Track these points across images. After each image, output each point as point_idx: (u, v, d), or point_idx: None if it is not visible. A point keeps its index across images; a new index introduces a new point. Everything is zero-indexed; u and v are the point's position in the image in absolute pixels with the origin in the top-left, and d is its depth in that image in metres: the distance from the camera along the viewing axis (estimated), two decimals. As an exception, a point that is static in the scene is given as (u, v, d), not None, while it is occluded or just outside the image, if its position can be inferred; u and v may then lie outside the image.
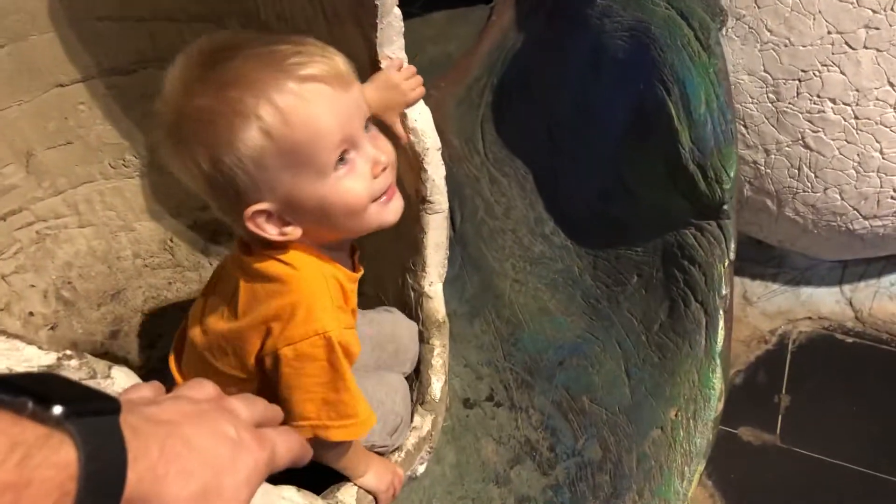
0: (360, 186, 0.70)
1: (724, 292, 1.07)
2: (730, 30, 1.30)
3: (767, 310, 1.56)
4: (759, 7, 1.27)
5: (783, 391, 1.43)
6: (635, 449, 1.06)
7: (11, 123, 1.17)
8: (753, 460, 1.34)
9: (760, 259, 1.62)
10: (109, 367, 0.56)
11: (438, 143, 0.94)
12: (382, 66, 0.91)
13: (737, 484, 1.31)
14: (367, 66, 0.91)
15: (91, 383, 0.54)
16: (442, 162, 0.96)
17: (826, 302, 1.57)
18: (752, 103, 1.33)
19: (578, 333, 1.25)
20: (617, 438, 1.09)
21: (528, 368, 1.26)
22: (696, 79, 1.14)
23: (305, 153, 0.66)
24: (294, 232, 0.71)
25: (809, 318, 1.55)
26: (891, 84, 1.23)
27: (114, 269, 1.32)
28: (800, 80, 1.28)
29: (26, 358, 0.52)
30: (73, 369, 0.53)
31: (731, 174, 1.09)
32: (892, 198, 1.33)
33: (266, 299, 0.71)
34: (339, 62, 0.69)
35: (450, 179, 1.53)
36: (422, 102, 0.94)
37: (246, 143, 0.64)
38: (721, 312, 1.06)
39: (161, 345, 1.30)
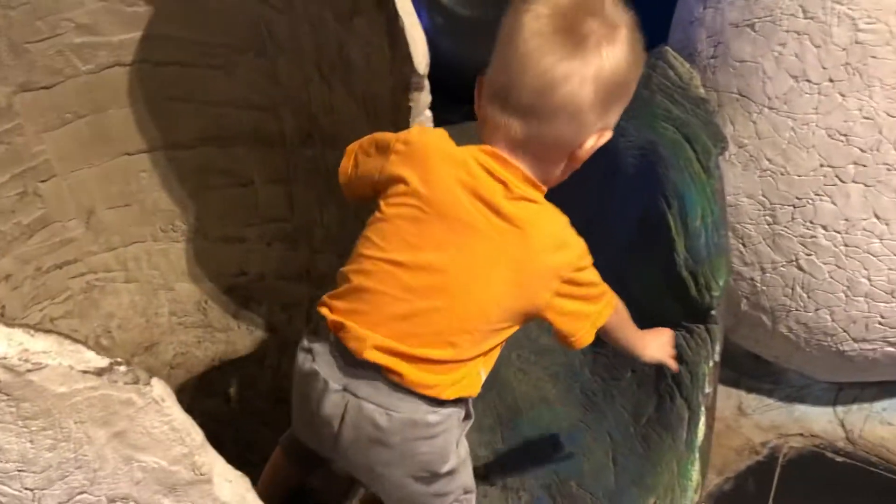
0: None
1: (707, 391, 1.15)
2: (732, 156, 1.43)
3: (761, 423, 1.62)
4: (759, 138, 1.40)
5: (770, 501, 1.48)
6: (615, 532, 1.12)
7: (81, 183, 1.32)
8: (735, 566, 1.38)
9: (758, 374, 1.69)
10: (150, 377, 0.67)
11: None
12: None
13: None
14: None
15: (132, 387, 0.64)
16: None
17: (819, 421, 1.62)
18: (751, 224, 1.44)
19: (573, 423, 1.33)
20: (599, 522, 1.15)
21: (523, 452, 1.33)
22: (695, 195, 1.26)
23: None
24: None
25: (801, 434, 1.60)
26: (877, 216, 1.33)
27: (150, 324, 1.44)
28: (794, 207, 1.39)
29: (86, 360, 0.63)
30: (122, 374, 0.64)
31: (721, 283, 1.19)
32: (880, 323, 1.41)
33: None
34: None
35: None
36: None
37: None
38: (703, 409, 1.14)
39: (181, 399, 1.39)
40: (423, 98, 1.00)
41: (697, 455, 1.12)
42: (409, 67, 0.96)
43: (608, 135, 0.87)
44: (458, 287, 0.83)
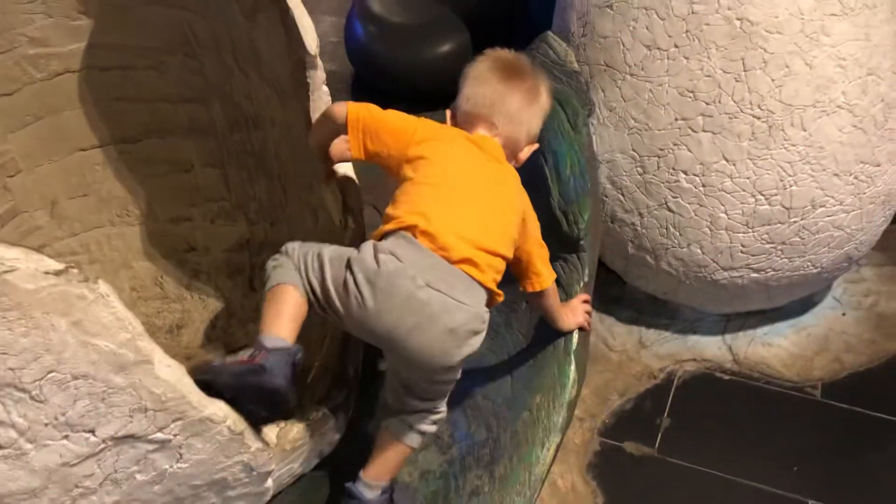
0: None
1: (579, 305, 1.38)
2: (605, 119, 1.67)
3: (659, 352, 1.85)
4: (624, 101, 1.64)
5: (665, 415, 1.70)
6: (510, 428, 1.34)
7: (43, 178, 1.53)
8: (633, 468, 1.60)
9: (655, 312, 1.92)
10: (97, 278, 0.88)
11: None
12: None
13: (617, 486, 1.57)
14: (304, 132, 1.27)
15: (84, 284, 0.86)
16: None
17: (710, 348, 1.86)
18: (626, 176, 1.68)
19: (481, 351, 1.54)
20: (498, 422, 1.37)
21: (442, 381, 1.55)
22: (565, 149, 1.50)
23: None
24: None
25: (694, 360, 1.84)
26: (725, 159, 1.58)
27: (113, 300, 1.64)
28: (659, 157, 1.63)
29: (47, 264, 0.85)
30: (76, 274, 0.86)
31: (585, 217, 1.42)
32: (742, 252, 1.65)
33: None
34: None
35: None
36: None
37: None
38: (577, 320, 1.37)
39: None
40: (319, 75, 1.23)
41: (573, 358, 1.35)
42: (302, 50, 1.18)
43: (535, 146, 1.28)
44: (495, 201, 1.16)
